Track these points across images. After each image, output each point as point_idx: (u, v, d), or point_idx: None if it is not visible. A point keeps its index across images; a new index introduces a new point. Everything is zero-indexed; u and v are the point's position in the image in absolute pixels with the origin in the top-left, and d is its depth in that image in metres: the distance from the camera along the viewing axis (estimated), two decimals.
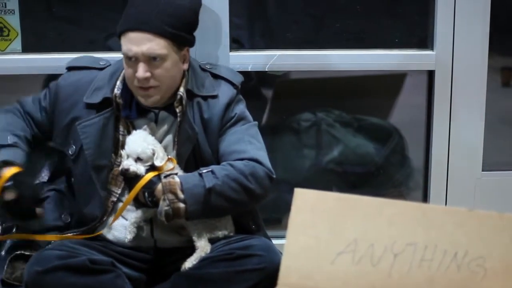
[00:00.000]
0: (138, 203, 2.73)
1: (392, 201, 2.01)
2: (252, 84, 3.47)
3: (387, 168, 3.65)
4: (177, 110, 2.77)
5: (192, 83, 2.81)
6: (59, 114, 2.83)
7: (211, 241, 2.76)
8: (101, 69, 2.88)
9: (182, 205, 2.63)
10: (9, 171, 2.63)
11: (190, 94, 2.80)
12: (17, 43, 3.29)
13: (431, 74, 3.35)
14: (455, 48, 3.27)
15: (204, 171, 2.68)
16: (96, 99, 2.78)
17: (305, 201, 2.07)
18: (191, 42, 2.81)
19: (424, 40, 3.35)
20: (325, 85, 3.56)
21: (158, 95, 2.73)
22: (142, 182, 2.66)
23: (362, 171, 3.64)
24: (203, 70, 2.90)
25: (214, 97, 2.82)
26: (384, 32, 3.42)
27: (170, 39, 2.69)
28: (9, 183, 2.61)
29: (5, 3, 3.25)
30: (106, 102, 2.78)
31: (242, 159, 2.73)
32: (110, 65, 2.89)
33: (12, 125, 2.82)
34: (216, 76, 2.89)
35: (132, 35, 2.67)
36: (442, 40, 3.27)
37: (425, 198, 3.48)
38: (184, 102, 2.76)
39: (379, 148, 3.64)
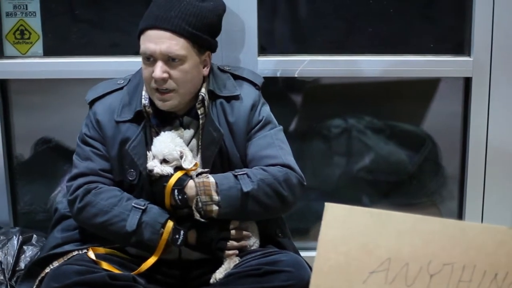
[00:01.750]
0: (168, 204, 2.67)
1: (428, 218, 1.99)
2: (281, 89, 3.43)
3: (420, 176, 3.59)
4: (199, 112, 2.72)
5: (213, 84, 2.77)
6: (108, 143, 2.75)
7: (239, 252, 2.72)
8: (122, 87, 2.81)
9: (215, 207, 2.61)
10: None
11: (212, 95, 2.76)
12: (38, 46, 3.27)
13: (467, 80, 3.28)
14: (493, 54, 3.20)
15: (240, 173, 2.66)
16: (128, 115, 2.73)
17: (336, 216, 2.04)
18: (212, 47, 2.76)
19: (460, 46, 3.28)
20: (355, 90, 3.50)
21: (176, 100, 2.67)
22: (172, 181, 2.62)
23: (394, 179, 3.59)
24: (223, 71, 2.86)
25: (237, 98, 2.78)
26: (419, 36, 3.35)
27: (191, 40, 2.64)
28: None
29: (26, 5, 3.23)
30: (139, 115, 2.72)
31: (274, 165, 2.70)
32: (130, 80, 2.83)
33: (116, 196, 2.69)
34: (236, 77, 2.85)
35: (151, 33, 2.63)
36: (480, 45, 3.20)
37: (460, 208, 3.43)
38: (206, 103, 2.72)
39: (412, 156, 3.57)
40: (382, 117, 3.53)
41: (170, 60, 2.61)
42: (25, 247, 3.07)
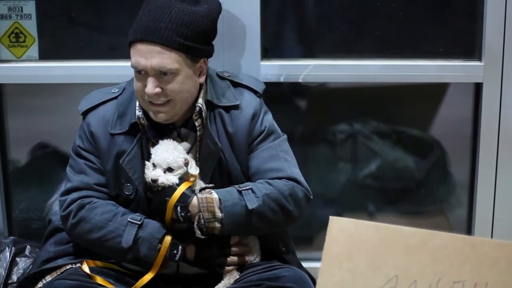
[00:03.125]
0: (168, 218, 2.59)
1: (438, 233, 1.94)
2: (284, 93, 3.38)
3: (428, 183, 3.54)
4: (196, 123, 2.63)
5: (211, 93, 2.68)
6: (103, 155, 2.67)
7: (239, 267, 2.65)
8: (117, 97, 2.73)
9: (218, 225, 2.53)
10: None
11: (210, 105, 2.67)
12: (34, 50, 3.22)
13: (478, 86, 3.22)
14: (505, 59, 3.13)
15: (244, 188, 2.58)
16: (123, 127, 2.65)
17: (341, 230, 1.99)
18: (208, 53, 2.66)
19: (471, 50, 3.21)
20: (361, 94, 3.45)
21: (170, 112, 2.58)
22: (176, 197, 2.52)
23: (400, 186, 3.54)
24: (222, 78, 2.76)
25: (237, 107, 2.69)
26: (428, 41, 3.28)
27: (183, 52, 2.53)
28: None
29: (22, 7, 3.18)
30: (135, 127, 2.64)
31: (279, 178, 2.63)
32: (124, 88, 2.75)
33: (111, 211, 2.62)
34: (236, 84, 2.76)
35: (141, 47, 2.52)
36: (491, 50, 3.13)
37: (469, 217, 3.38)
38: (204, 114, 2.63)
39: (419, 162, 3.52)
40: (388, 122, 3.48)
41: (162, 74, 2.51)
42: (17, 259, 3.02)
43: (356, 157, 3.51)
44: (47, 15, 3.21)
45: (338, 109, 3.48)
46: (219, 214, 2.51)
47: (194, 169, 2.57)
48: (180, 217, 2.52)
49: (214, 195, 2.53)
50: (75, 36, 3.28)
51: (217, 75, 2.76)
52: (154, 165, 2.57)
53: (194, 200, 2.53)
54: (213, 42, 2.69)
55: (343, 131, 3.47)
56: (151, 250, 2.53)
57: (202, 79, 2.63)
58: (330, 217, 1.97)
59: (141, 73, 2.53)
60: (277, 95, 3.21)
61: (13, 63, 3.20)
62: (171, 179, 2.54)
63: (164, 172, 2.54)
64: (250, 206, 2.52)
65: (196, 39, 2.55)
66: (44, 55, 3.21)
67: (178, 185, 2.54)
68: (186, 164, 2.56)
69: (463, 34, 3.26)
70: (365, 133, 3.46)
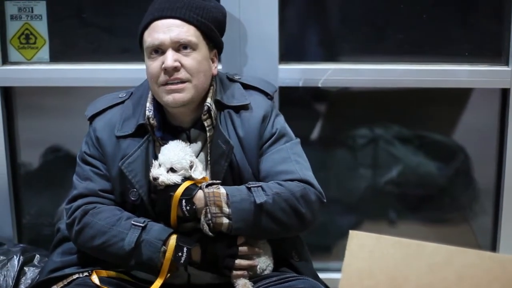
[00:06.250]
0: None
1: (463, 250, 1.89)
2: (303, 96, 3.31)
3: (451, 190, 3.47)
4: (206, 123, 2.58)
5: (220, 93, 2.64)
6: (109, 161, 2.62)
7: (251, 278, 2.57)
8: (123, 101, 2.69)
9: (226, 220, 2.45)
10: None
11: (220, 105, 2.62)
12: (44, 52, 3.19)
13: (505, 91, 3.15)
14: None
15: (254, 185, 2.51)
16: (129, 129, 2.60)
17: (362, 245, 1.94)
18: (219, 44, 2.66)
19: (498, 54, 3.14)
20: (383, 97, 3.37)
21: (189, 93, 2.53)
22: (180, 191, 2.46)
23: (423, 193, 3.47)
24: (232, 80, 2.72)
25: (247, 108, 2.64)
26: (453, 44, 3.21)
27: (200, 29, 2.56)
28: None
29: (32, 8, 3.14)
30: (141, 129, 2.59)
31: (291, 180, 2.55)
32: (132, 92, 2.71)
33: (115, 215, 2.56)
34: (246, 87, 2.72)
35: (158, 23, 2.54)
36: None
37: (495, 225, 3.32)
38: (213, 114, 2.58)
39: (442, 168, 3.44)
40: (411, 126, 3.42)
41: (181, 48, 2.51)
42: (26, 268, 2.98)
43: (377, 162, 3.45)
44: (58, 16, 3.17)
45: (358, 113, 3.42)
46: (226, 209, 2.44)
47: (198, 173, 2.52)
48: (186, 212, 2.46)
49: (222, 190, 2.47)
50: (87, 38, 3.24)
51: (227, 77, 2.72)
52: (160, 165, 2.52)
53: (200, 193, 2.46)
54: (230, 46, 2.70)
55: (364, 136, 3.41)
56: (155, 252, 2.46)
57: (215, 71, 2.62)
58: (350, 231, 1.93)
59: (158, 52, 2.52)
60: (296, 98, 3.18)
61: (23, 65, 3.17)
62: (172, 178, 2.49)
63: (167, 172, 2.50)
64: (258, 201, 2.44)
65: (210, 21, 2.58)
66: (55, 57, 3.18)
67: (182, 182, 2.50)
68: (191, 167, 2.51)
69: (490, 38, 3.19)
70: (386, 138, 3.41)
